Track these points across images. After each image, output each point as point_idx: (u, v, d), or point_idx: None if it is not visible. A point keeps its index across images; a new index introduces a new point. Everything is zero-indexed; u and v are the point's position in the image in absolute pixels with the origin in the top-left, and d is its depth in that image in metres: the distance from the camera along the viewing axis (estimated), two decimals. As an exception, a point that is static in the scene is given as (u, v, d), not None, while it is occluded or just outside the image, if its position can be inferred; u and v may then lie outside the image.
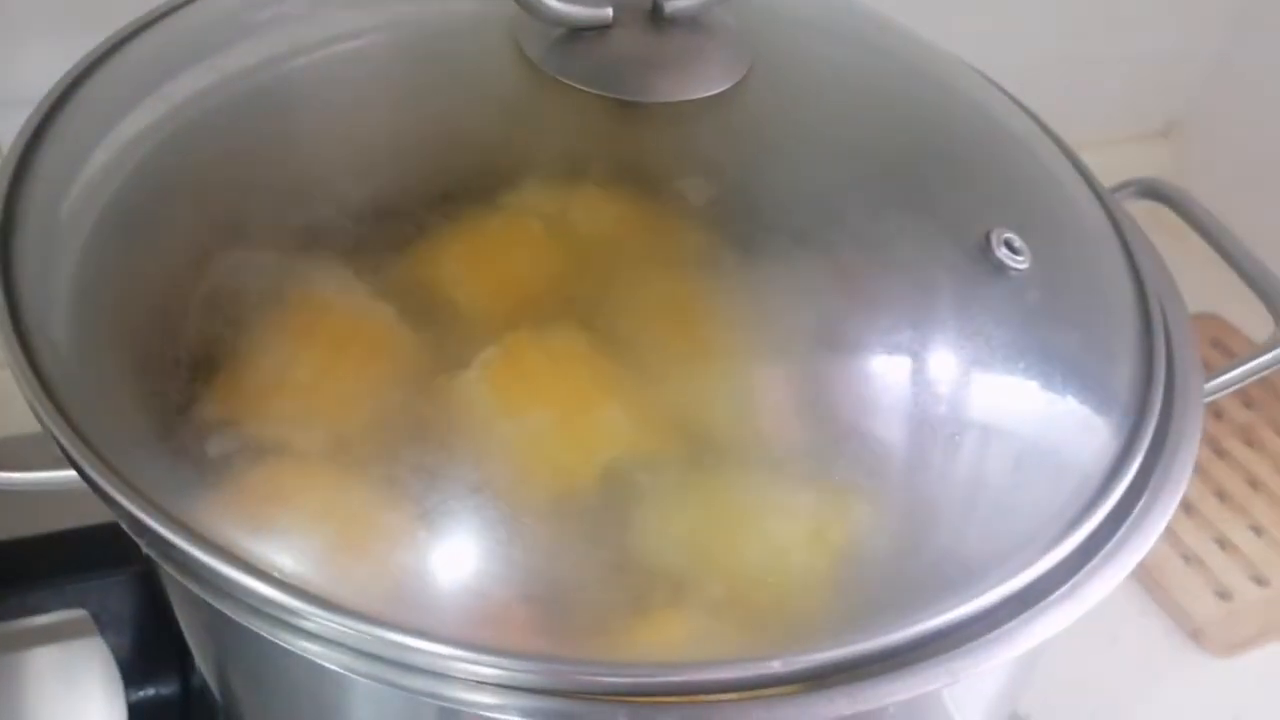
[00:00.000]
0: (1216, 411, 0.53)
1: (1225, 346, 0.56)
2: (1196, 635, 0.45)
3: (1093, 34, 0.63)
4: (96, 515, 0.40)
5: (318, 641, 0.20)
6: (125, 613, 0.40)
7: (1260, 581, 0.47)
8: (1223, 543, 0.48)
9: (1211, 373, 0.29)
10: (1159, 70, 0.67)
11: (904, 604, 0.21)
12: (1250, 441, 0.52)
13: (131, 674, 0.40)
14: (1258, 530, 0.49)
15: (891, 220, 0.24)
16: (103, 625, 0.40)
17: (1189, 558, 0.47)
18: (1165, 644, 0.45)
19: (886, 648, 0.20)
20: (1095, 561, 0.22)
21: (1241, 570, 0.47)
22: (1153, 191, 0.35)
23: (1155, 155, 0.70)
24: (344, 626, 0.20)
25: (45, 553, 0.40)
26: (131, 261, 0.25)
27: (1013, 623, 0.21)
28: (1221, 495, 0.50)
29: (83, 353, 0.23)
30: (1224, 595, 0.46)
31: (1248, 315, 0.55)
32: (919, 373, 0.23)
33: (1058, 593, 0.21)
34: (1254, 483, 0.51)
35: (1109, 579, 0.21)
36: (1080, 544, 0.22)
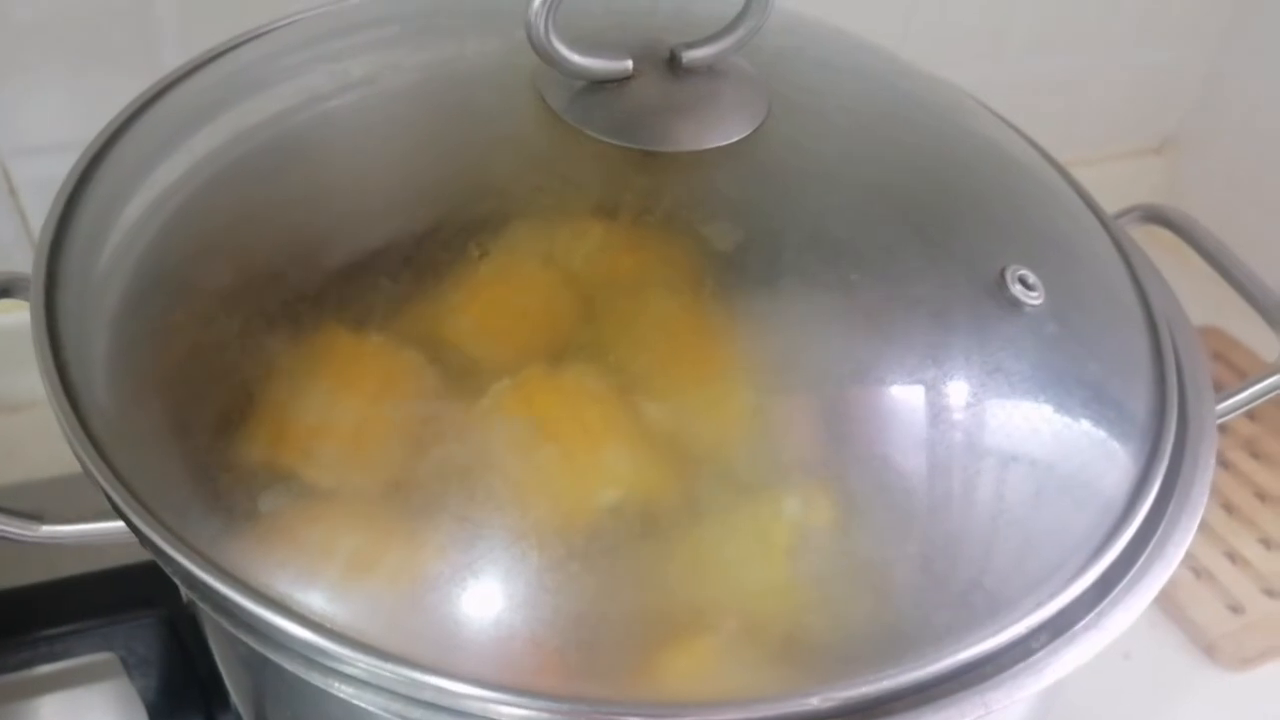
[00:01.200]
0: (1221, 425, 0.54)
1: (1227, 360, 0.57)
2: (1210, 650, 0.45)
3: (1086, 51, 0.64)
4: (121, 557, 0.41)
5: (369, 689, 0.21)
6: (152, 655, 0.40)
7: (1271, 594, 0.47)
8: (1232, 556, 0.49)
9: (1221, 393, 0.30)
10: (1153, 87, 0.68)
11: (934, 635, 0.22)
12: (1256, 454, 0.53)
13: (157, 715, 0.41)
14: (1266, 543, 0.49)
15: (910, 260, 0.25)
16: (130, 668, 0.41)
17: (1199, 571, 0.48)
18: (1179, 659, 0.46)
19: (921, 680, 0.21)
20: (1122, 586, 0.22)
21: (1252, 583, 0.47)
22: (1157, 217, 0.35)
23: (1150, 172, 0.71)
24: (393, 674, 0.20)
25: (72, 596, 0.40)
26: (163, 318, 0.25)
27: (1043, 651, 0.21)
28: (1229, 508, 0.51)
29: (125, 410, 0.24)
30: (1236, 609, 0.47)
31: (1247, 328, 0.56)
32: (942, 408, 0.23)
33: (1087, 619, 0.22)
34: (1261, 495, 0.51)
35: (1136, 604, 0.22)
36: (1105, 570, 0.23)
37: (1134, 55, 0.66)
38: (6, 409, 0.52)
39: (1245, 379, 0.34)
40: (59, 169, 0.49)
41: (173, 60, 0.47)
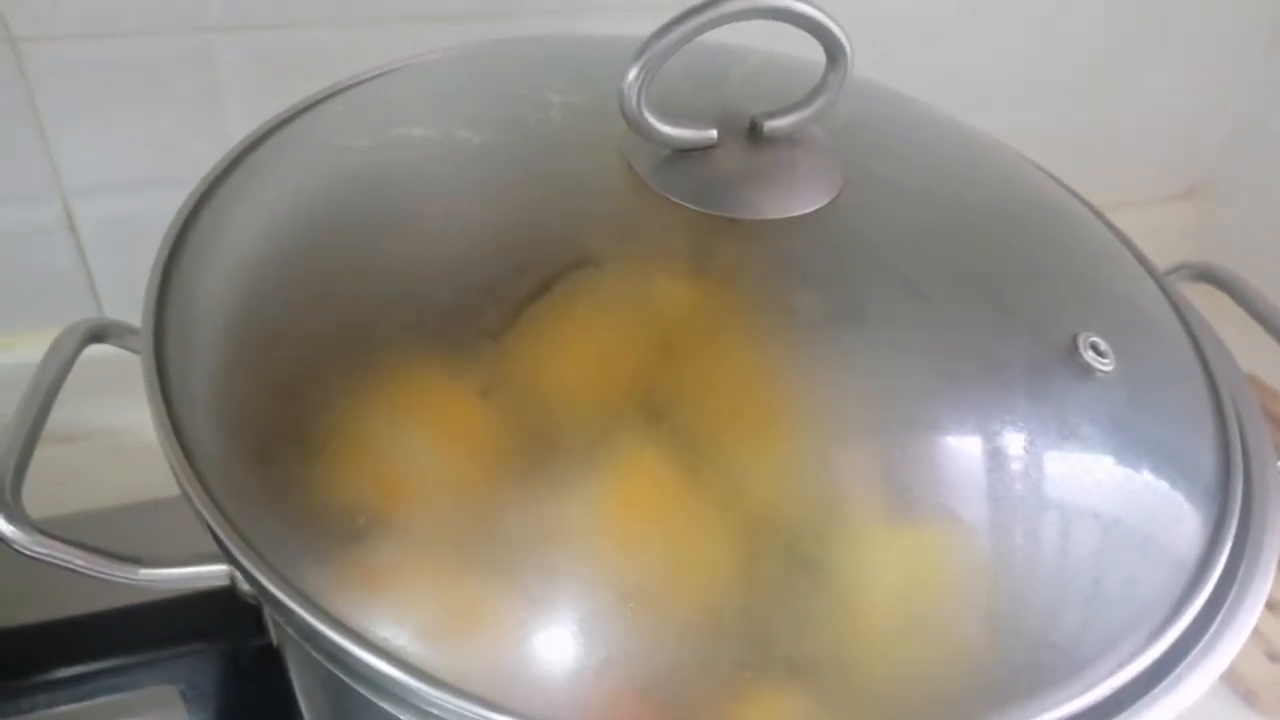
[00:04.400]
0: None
1: (1267, 410, 0.57)
2: (1249, 698, 0.46)
3: (1116, 97, 0.65)
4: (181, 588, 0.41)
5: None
6: (212, 689, 0.41)
7: (1311, 643, 0.48)
8: (1271, 604, 0.49)
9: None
10: (1181, 133, 0.68)
11: (1018, 694, 0.22)
12: (1292, 502, 0.54)
13: (215, 751, 0.41)
14: (1305, 591, 0.50)
15: (987, 327, 0.26)
16: (189, 701, 0.41)
17: (1238, 619, 0.48)
18: (1219, 707, 0.46)
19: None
20: (1200, 648, 0.23)
21: (1292, 632, 0.48)
22: (1207, 275, 0.36)
23: (1178, 218, 0.71)
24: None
25: (134, 626, 0.41)
26: (264, 374, 0.26)
27: (1125, 714, 0.22)
28: (1267, 556, 0.51)
29: (234, 463, 0.25)
30: (1275, 657, 0.47)
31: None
32: (1020, 471, 0.24)
33: (1166, 680, 0.22)
34: (1298, 543, 0.52)
35: (1213, 666, 0.23)
36: (1183, 632, 0.23)
37: (1163, 100, 0.67)
38: (64, 439, 0.53)
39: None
40: (117, 208, 0.50)
41: (235, 106, 0.49)
